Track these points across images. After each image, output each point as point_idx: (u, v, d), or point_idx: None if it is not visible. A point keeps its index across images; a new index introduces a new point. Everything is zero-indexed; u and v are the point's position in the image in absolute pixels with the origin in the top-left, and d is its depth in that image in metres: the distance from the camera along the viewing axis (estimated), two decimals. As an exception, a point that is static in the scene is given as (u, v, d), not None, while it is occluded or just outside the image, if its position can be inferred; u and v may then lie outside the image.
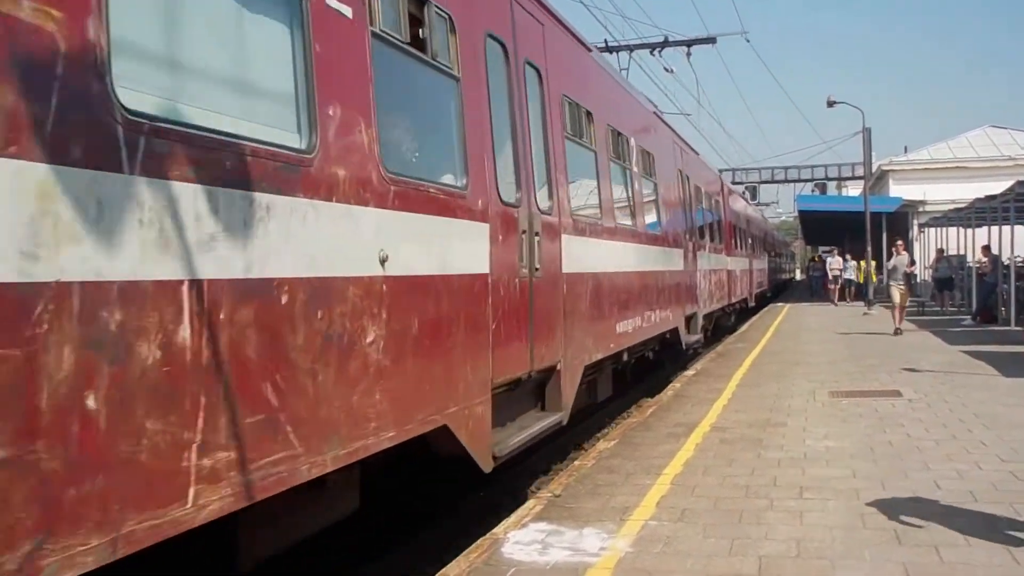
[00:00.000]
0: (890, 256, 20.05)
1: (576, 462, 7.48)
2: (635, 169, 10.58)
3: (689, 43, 22.58)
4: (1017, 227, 20.64)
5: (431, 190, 4.90)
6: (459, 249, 5.20)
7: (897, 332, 17.86)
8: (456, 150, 5.46)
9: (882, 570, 4.43)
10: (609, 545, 4.99)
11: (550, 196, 7.02)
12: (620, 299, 9.20)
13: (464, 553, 5.10)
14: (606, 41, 21.08)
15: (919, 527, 5.09)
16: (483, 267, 5.55)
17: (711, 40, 22.60)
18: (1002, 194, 18.77)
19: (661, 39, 22.35)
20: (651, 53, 22.36)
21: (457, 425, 5.10)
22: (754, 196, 47.73)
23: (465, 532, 6.60)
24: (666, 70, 23.62)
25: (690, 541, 5.01)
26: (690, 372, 13.27)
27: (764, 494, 5.95)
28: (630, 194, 10.28)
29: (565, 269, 7.18)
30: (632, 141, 10.51)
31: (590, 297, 7.97)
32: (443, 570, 4.85)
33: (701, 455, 7.22)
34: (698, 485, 6.25)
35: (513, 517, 5.78)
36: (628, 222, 9.94)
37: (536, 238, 6.51)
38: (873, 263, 29.96)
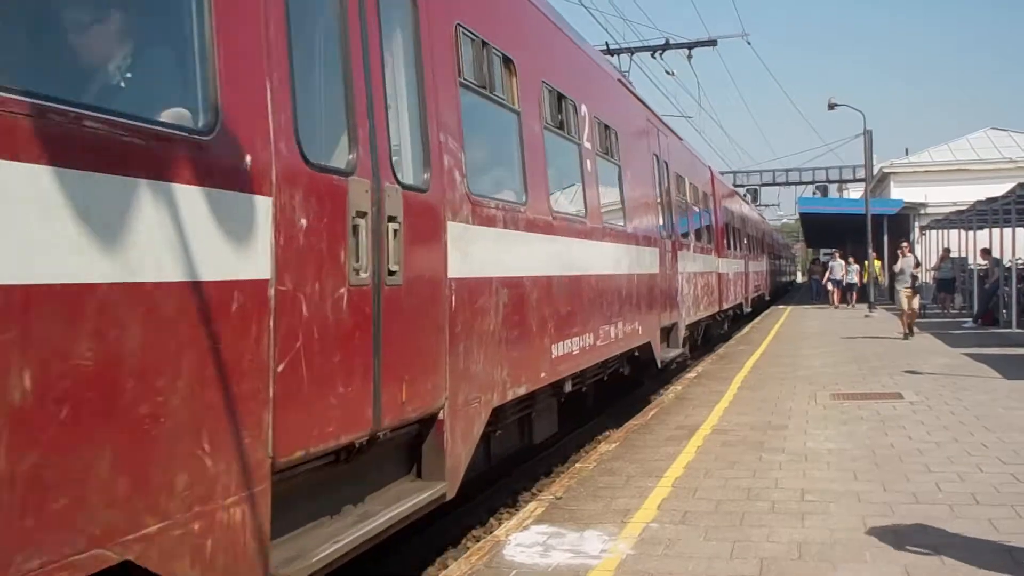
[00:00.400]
0: (896, 259, 19.78)
1: (577, 464, 7.49)
2: (587, 145, 8.43)
3: (690, 45, 22.63)
4: (1018, 229, 20.64)
5: (96, 126, 2.69)
6: (184, 238, 3.05)
7: (906, 336, 17.41)
8: (189, 60, 3.27)
9: (883, 572, 4.43)
10: (610, 547, 4.99)
11: (426, 165, 4.89)
12: (559, 312, 7.06)
13: (465, 555, 5.11)
14: (607, 44, 21.10)
15: (920, 529, 5.09)
16: (255, 270, 3.40)
17: (712, 43, 22.66)
18: (1003, 196, 18.77)
19: (662, 42, 22.40)
20: (652, 56, 22.38)
21: (164, 556, 2.90)
22: (755, 198, 47.80)
23: (466, 534, 6.61)
24: (667, 73, 23.64)
25: (691, 543, 5.01)
26: (691, 375, 13.27)
27: (765, 496, 5.95)
28: (580, 176, 8.18)
29: (455, 273, 5.13)
30: (584, 109, 8.38)
31: (504, 311, 5.90)
32: (445, 572, 4.87)
33: (702, 457, 7.23)
34: (699, 487, 6.26)
35: (514, 519, 5.79)
36: (573, 210, 7.84)
37: (392, 225, 4.40)
38: (877, 263, 29.62)
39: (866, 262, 29.67)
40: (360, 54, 4.26)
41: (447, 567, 5.20)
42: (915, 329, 17.89)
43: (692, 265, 14.89)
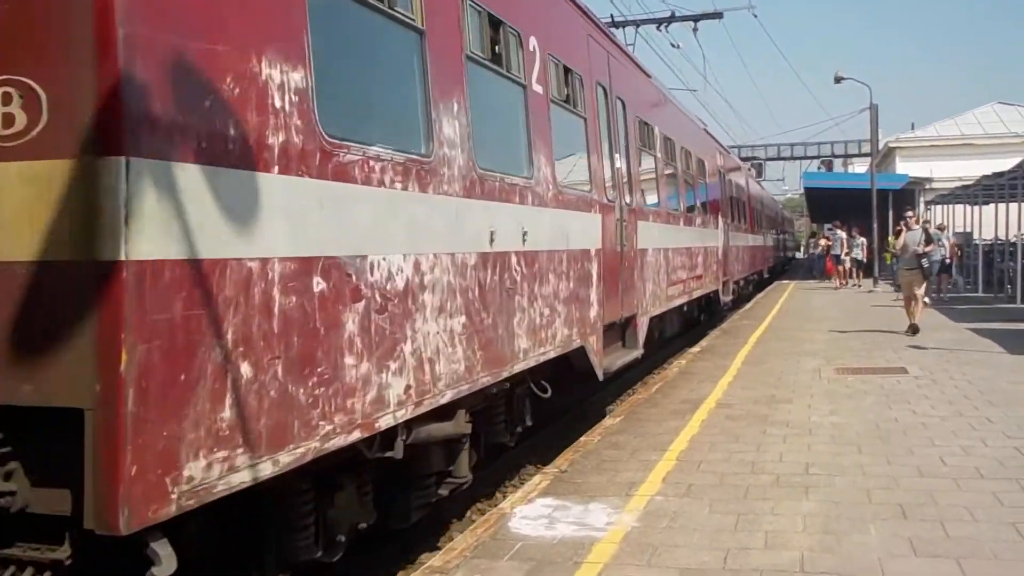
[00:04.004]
0: (899, 233, 14.76)
1: (582, 438, 7.51)
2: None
3: (696, 18, 22.37)
4: (1024, 204, 20.45)
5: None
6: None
7: (911, 330, 13.57)
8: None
9: (888, 544, 4.45)
10: (615, 520, 5.01)
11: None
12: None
13: (471, 528, 5.13)
14: (612, 16, 20.92)
15: (925, 503, 5.10)
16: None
17: (718, 15, 22.39)
18: (1010, 171, 18.67)
19: (668, 14, 22.15)
20: (657, 28, 22.16)
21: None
22: (760, 173, 47.56)
23: (472, 507, 6.64)
24: (672, 46, 23.59)
25: (696, 516, 5.03)
26: (695, 349, 13.28)
27: (770, 470, 5.96)
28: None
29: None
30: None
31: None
32: (450, 544, 4.89)
33: (707, 431, 7.24)
34: (704, 461, 6.27)
35: (520, 492, 5.81)
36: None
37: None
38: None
39: (890, 237, 27.36)
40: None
41: (452, 539, 5.23)
42: (918, 325, 13.64)
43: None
